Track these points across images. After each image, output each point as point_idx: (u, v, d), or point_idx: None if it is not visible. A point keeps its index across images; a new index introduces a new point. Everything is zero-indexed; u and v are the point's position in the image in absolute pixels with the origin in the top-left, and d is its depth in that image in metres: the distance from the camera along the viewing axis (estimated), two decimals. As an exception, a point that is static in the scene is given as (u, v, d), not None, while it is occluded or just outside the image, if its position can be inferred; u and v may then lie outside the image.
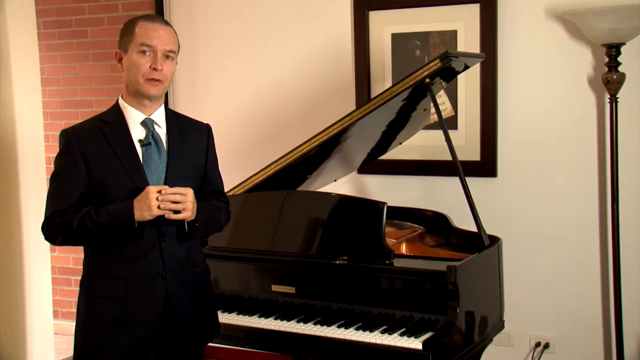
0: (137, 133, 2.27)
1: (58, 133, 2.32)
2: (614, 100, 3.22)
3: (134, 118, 2.27)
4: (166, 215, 2.17)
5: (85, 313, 2.27)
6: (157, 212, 2.14)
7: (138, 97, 2.27)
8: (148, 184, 2.21)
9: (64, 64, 4.66)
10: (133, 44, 2.22)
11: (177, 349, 2.32)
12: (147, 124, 2.28)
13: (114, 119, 2.28)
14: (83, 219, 2.17)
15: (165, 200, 2.15)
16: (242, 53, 4.06)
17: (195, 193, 2.26)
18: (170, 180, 2.25)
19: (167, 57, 2.24)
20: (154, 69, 2.21)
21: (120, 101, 2.31)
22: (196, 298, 2.36)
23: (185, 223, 2.26)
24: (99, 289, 2.25)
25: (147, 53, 2.22)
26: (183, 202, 2.17)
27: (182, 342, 2.32)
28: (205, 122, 2.48)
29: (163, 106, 2.35)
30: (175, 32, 2.32)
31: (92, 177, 2.21)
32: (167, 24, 2.31)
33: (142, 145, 2.26)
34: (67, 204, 2.20)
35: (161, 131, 2.31)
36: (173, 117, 2.38)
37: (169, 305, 2.26)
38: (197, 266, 2.38)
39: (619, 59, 3.18)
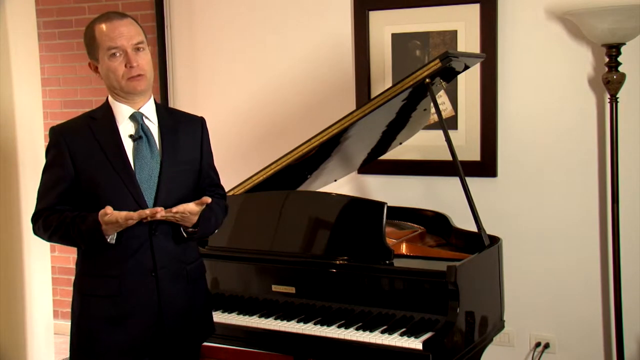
0: (127, 128, 2.25)
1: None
2: (614, 100, 3.22)
3: (122, 113, 2.25)
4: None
5: (80, 312, 2.26)
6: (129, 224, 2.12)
7: (125, 95, 2.25)
8: (135, 180, 2.20)
9: (64, 64, 4.66)
10: (101, 51, 2.20)
11: (170, 348, 2.30)
12: (137, 117, 2.25)
13: (103, 115, 2.26)
14: (61, 229, 2.18)
15: (167, 217, 2.15)
16: (242, 53, 4.06)
17: (190, 187, 2.26)
18: (163, 176, 2.23)
19: (138, 49, 2.21)
20: (131, 66, 2.19)
21: (110, 98, 2.28)
22: (189, 296, 2.33)
23: (182, 229, 2.25)
24: (93, 288, 2.24)
25: (118, 54, 2.19)
26: (182, 219, 2.19)
27: (174, 341, 2.29)
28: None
29: (152, 100, 2.32)
30: (136, 21, 2.27)
31: (79, 174, 2.20)
32: (124, 16, 2.25)
33: (133, 140, 2.23)
34: (51, 201, 2.22)
35: (153, 126, 2.28)
36: (165, 112, 2.35)
37: (161, 303, 2.25)
38: (190, 263, 2.35)
39: (619, 59, 3.18)
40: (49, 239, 2.26)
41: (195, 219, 2.22)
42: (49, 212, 2.21)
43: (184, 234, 2.26)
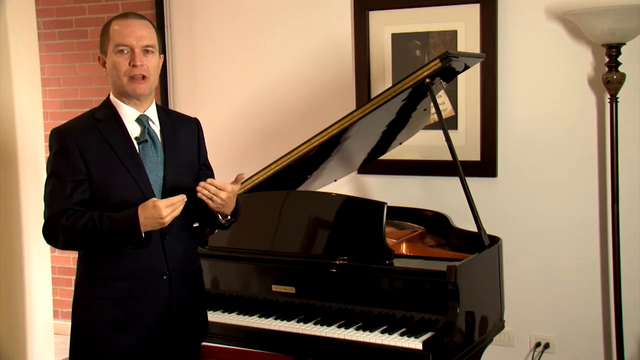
0: (133, 130, 2.25)
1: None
2: (614, 100, 3.22)
3: (127, 115, 2.25)
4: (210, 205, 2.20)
5: (83, 316, 2.23)
6: (169, 221, 2.11)
7: (127, 96, 2.24)
8: (149, 182, 2.21)
9: (64, 64, 4.66)
10: (110, 46, 2.21)
11: (177, 349, 2.31)
12: (143, 120, 2.25)
13: (108, 116, 2.24)
14: (87, 224, 2.10)
15: (206, 190, 2.17)
16: (242, 53, 4.06)
17: (191, 187, 2.25)
18: (167, 178, 2.24)
19: (147, 51, 2.21)
20: (134, 65, 2.18)
21: (112, 97, 2.27)
22: (195, 295, 2.37)
23: (219, 215, 2.29)
24: (99, 291, 2.20)
25: (125, 52, 2.19)
26: (215, 195, 2.19)
27: (183, 341, 2.32)
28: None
29: (154, 102, 2.33)
30: (153, 25, 2.27)
31: (91, 177, 2.17)
32: (141, 18, 2.26)
33: (139, 143, 2.23)
34: (69, 203, 2.15)
35: (156, 128, 2.29)
36: (164, 113, 2.36)
37: (172, 304, 2.25)
38: (194, 264, 2.39)
39: (619, 59, 3.18)
40: (65, 243, 2.15)
41: (234, 200, 2.26)
42: (68, 214, 2.14)
43: (221, 221, 2.31)
